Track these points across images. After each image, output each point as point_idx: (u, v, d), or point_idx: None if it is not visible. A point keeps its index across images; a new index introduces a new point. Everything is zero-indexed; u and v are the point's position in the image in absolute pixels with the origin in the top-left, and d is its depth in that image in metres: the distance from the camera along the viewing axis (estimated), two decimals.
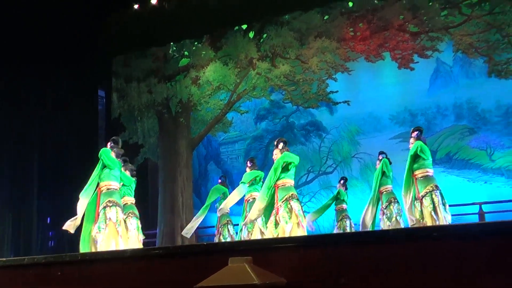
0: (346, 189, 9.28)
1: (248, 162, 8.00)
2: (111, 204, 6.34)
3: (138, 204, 13.48)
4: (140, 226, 7.84)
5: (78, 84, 12.72)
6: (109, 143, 6.93)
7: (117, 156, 6.80)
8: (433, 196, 6.70)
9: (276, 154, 6.80)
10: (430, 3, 11.76)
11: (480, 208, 9.64)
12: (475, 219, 9.63)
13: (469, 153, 11.39)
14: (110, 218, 6.25)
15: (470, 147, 11.40)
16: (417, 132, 7.09)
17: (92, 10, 12.29)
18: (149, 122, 13.81)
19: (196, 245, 5.02)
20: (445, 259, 2.84)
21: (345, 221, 8.99)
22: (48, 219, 12.09)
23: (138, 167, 13.71)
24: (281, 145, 6.81)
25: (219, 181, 9.37)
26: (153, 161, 13.95)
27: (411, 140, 7.08)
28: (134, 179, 7.95)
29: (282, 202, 6.46)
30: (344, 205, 9.13)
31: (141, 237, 7.75)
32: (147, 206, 13.88)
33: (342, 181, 9.34)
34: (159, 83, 13.55)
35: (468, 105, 11.55)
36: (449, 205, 9.97)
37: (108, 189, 6.48)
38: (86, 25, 12.51)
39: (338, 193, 9.16)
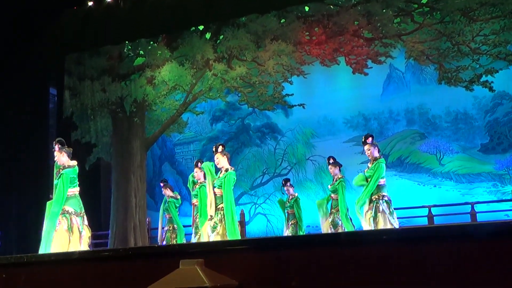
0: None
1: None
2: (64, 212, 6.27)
3: (90, 204, 13.27)
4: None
5: (28, 81, 12.37)
6: (57, 146, 6.65)
7: (69, 156, 6.63)
8: (377, 204, 6.85)
9: (218, 158, 6.80)
10: (384, 10, 11.99)
11: (430, 211, 9.88)
12: (424, 222, 9.87)
13: (419, 157, 11.68)
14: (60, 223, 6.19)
15: (421, 152, 11.69)
16: (371, 138, 7.19)
17: (46, 5, 11.97)
18: (103, 121, 13.56)
19: (147, 247, 4.95)
20: (395, 262, 2.88)
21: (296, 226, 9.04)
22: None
23: (91, 167, 13.48)
24: (220, 148, 6.84)
25: (161, 184, 9.30)
26: (106, 161, 13.70)
27: (367, 146, 7.13)
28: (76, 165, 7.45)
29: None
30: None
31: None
32: (99, 207, 13.63)
33: (288, 183, 9.41)
34: (113, 82, 13.31)
35: (419, 110, 11.84)
36: (400, 208, 10.26)
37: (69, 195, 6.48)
38: (38, 21, 12.19)
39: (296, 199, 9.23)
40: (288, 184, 9.45)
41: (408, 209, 10.37)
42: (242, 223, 11.00)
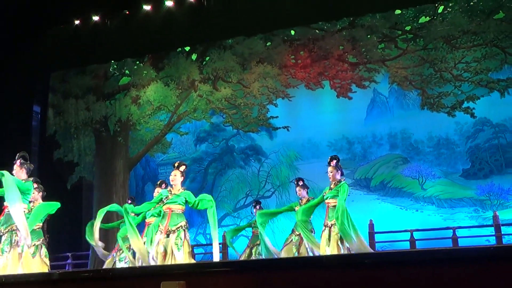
0: None
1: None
2: (15, 228, 6.06)
3: (71, 224, 13.10)
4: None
5: (12, 98, 12.27)
6: (18, 161, 6.48)
7: (27, 173, 6.48)
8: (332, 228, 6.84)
9: (176, 175, 6.74)
10: (369, 36, 12.16)
11: (411, 235, 9.90)
12: (406, 246, 9.87)
13: (402, 182, 11.73)
14: (16, 242, 6.00)
15: (403, 176, 11.75)
16: (335, 160, 7.18)
17: (31, 22, 11.95)
18: (86, 140, 13.47)
19: (128, 268, 4.89)
20: (375, 285, 2.88)
21: (259, 247, 8.83)
22: None
23: (73, 186, 13.33)
24: (182, 168, 6.79)
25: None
26: (88, 180, 13.56)
27: (330, 168, 7.11)
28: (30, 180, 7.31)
29: (177, 228, 6.41)
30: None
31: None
32: (80, 226, 13.44)
33: (258, 206, 9.28)
34: (98, 101, 13.28)
35: (402, 135, 11.93)
36: (383, 232, 10.27)
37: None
38: (24, 38, 12.14)
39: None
40: (258, 207, 9.25)
41: (391, 233, 10.38)
42: (225, 245, 10.90)
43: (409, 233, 9.94)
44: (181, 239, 6.33)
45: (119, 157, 13.08)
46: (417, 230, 10.16)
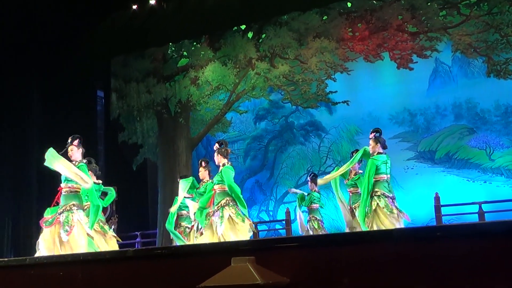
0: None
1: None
2: (76, 208, 6.16)
3: (138, 204, 13.54)
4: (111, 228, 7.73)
5: (76, 84, 12.71)
6: (77, 141, 6.50)
7: (82, 154, 6.54)
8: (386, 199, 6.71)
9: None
10: (429, 3, 11.77)
11: (480, 207, 9.62)
12: (475, 218, 9.63)
13: (468, 153, 11.41)
14: (79, 221, 6.14)
15: (470, 147, 11.42)
16: (375, 133, 7.04)
17: (90, 10, 12.27)
18: (148, 122, 13.81)
19: (198, 245, 5.03)
20: (451, 259, 2.84)
21: (314, 222, 8.79)
22: None
23: (138, 168, 13.76)
24: (216, 145, 6.87)
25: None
26: (152, 161, 13.95)
27: (370, 141, 7.00)
28: (99, 182, 7.52)
29: (218, 207, 6.46)
30: (315, 205, 8.97)
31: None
32: (147, 206, 13.89)
33: (310, 177, 9.14)
34: (158, 83, 13.55)
35: (467, 105, 11.57)
36: (449, 205, 10.06)
37: (72, 191, 6.24)
38: (84, 26, 12.50)
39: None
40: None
41: (458, 206, 10.14)
42: (288, 222, 11.00)
43: (478, 205, 9.67)
44: (222, 217, 6.43)
45: (181, 137, 13.35)
46: (486, 202, 9.87)
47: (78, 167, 6.21)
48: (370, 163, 6.80)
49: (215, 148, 6.84)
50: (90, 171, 6.92)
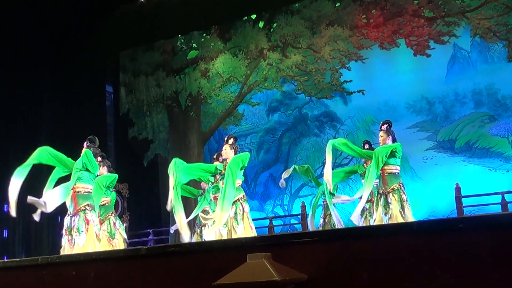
0: None
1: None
2: (90, 208, 6.34)
3: (150, 201, 13.60)
4: (123, 226, 7.77)
5: (85, 79, 12.78)
6: (85, 143, 6.76)
7: (95, 156, 6.75)
8: (401, 193, 6.65)
9: (226, 149, 6.67)
10: None
11: (503, 197, 9.52)
12: (497, 209, 9.53)
13: (489, 141, 11.28)
14: (90, 221, 6.25)
15: (491, 135, 11.28)
16: (386, 125, 6.98)
17: (97, 4, 12.32)
18: (159, 116, 13.86)
19: (214, 241, 5.04)
20: (475, 251, 2.82)
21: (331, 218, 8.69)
22: (59, 218, 12.17)
23: (149, 164, 13.81)
24: (231, 140, 6.73)
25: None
26: (163, 157, 13.98)
27: (381, 133, 6.94)
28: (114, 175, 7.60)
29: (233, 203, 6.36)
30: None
31: (125, 237, 7.63)
32: (159, 203, 13.93)
33: None
34: (168, 77, 13.59)
35: (487, 91, 11.42)
36: (471, 195, 9.96)
37: (85, 192, 6.45)
38: (91, 20, 12.55)
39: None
40: None
41: (480, 197, 10.05)
42: (304, 216, 10.98)
43: (500, 195, 9.57)
44: (239, 213, 6.38)
45: (192, 131, 13.38)
46: (509, 192, 9.77)
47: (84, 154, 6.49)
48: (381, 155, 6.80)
49: (230, 143, 6.71)
50: (104, 167, 7.19)
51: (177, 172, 6.78)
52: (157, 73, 13.64)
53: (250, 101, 13.63)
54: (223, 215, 6.11)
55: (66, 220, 6.35)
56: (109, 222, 7.26)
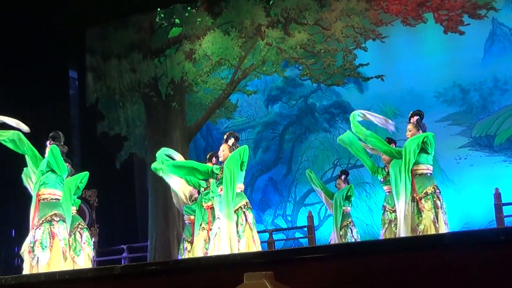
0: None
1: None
2: (57, 219, 6.36)
3: (124, 211, 13.64)
4: (91, 240, 7.83)
5: (43, 63, 12.79)
6: (48, 142, 6.71)
7: (62, 155, 6.71)
8: (435, 198, 6.69)
9: (225, 151, 6.76)
10: None
11: None
12: None
13: None
14: (56, 235, 6.27)
15: None
16: (417, 117, 7.06)
17: None
18: (134, 108, 13.91)
19: (203, 258, 5.09)
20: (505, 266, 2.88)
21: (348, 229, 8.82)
22: (13, 231, 12.22)
23: (122, 165, 13.84)
24: (231, 140, 6.78)
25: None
26: (140, 157, 14.03)
27: (410, 126, 7.02)
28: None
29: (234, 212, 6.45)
30: (347, 208, 8.95)
31: (92, 254, 7.74)
32: (135, 213, 13.96)
33: (343, 177, 9.22)
34: (145, 60, 13.63)
35: None
36: None
37: (52, 199, 6.46)
38: None
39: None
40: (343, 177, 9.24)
41: None
42: (311, 228, 11.06)
43: None
44: (242, 224, 6.47)
45: (174, 126, 13.43)
46: None
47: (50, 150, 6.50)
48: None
49: (230, 143, 6.76)
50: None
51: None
52: (132, 55, 13.68)
53: (245, 89, 13.70)
54: (231, 225, 6.24)
55: (31, 233, 6.36)
56: (75, 235, 7.33)
